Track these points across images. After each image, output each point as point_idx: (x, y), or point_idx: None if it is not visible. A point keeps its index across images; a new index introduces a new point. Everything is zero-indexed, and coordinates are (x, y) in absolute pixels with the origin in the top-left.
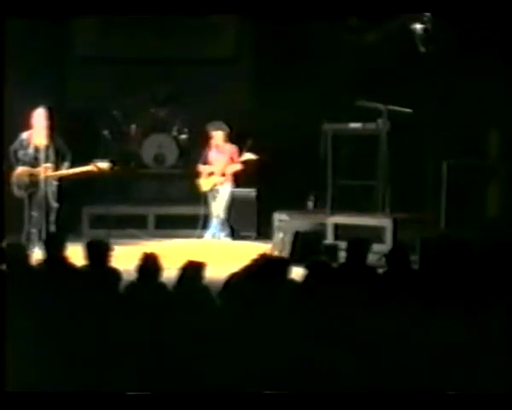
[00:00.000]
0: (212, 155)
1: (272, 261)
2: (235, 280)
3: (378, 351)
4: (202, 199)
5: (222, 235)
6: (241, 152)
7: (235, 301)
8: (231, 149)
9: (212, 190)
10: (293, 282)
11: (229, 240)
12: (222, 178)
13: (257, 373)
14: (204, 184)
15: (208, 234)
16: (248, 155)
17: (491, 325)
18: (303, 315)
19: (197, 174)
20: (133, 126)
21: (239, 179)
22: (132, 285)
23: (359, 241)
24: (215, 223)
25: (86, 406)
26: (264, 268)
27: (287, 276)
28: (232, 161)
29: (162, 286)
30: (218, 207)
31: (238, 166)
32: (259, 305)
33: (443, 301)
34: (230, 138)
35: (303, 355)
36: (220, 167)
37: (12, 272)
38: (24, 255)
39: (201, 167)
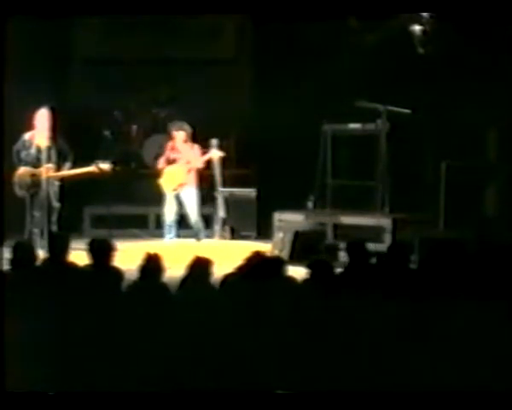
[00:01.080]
0: (174, 155)
1: (266, 260)
2: (231, 279)
3: (378, 350)
4: (165, 199)
5: (201, 236)
6: (204, 151)
7: (233, 300)
8: (194, 148)
9: (175, 190)
10: (293, 280)
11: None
12: (185, 179)
13: (257, 373)
14: (166, 184)
15: (167, 237)
16: (215, 153)
17: (490, 324)
18: (303, 314)
19: (158, 174)
20: (134, 127)
21: (202, 179)
22: (134, 285)
23: (360, 243)
24: (171, 226)
25: (86, 406)
26: (258, 267)
27: (282, 275)
28: (193, 160)
29: (163, 285)
30: (190, 212)
31: (199, 164)
32: (259, 304)
33: (442, 301)
34: (193, 138)
35: (303, 355)
36: (183, 167)
37: (14, 272)
38: (30, 255)
39: (163, 167)
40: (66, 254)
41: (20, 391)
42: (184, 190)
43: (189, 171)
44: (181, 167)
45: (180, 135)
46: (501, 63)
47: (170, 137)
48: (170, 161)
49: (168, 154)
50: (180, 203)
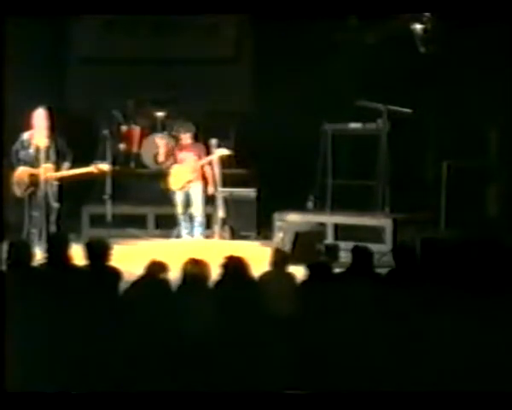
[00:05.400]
0: (181, 154)
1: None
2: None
3: (379, 350)
4: (174, 198)
5: (197, 233)
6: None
7: (231, 301)
8: (199, 147)
9: (182, 188)
10: (293, 281)
11: (202, 238)
12: (192, 176)
13: (256, 374)
14: (174, 183)
15: (184, 233)
16: (221, 151)
17: (491, 324)
18: (303, 315)
19: (166, 174)
20: (133, 126)
21: (209, 178)
22: (133, 285)
23: (364, 248)
24: (192, 222)
25: (86, 406)
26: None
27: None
28: (200, 159)
29: (164, 285)
30: (194, 207)
31: (206, 162)
32: (259, 304)
33: (443, 301)
34: (196, 138)
35: (304, 355)
36: (190, 166)
37: (13, 271)
38: (26, 254)
39: (171, 167)
40: (65, 255)
41: (20, 391)
42: (191, 187)
43: (196, 169)
44: (188, 166)
45: (186, 135)
46: (502, 63)
47: (177, 138)
48: (178, 161)
49: (176, 153)
50: (188, 200)
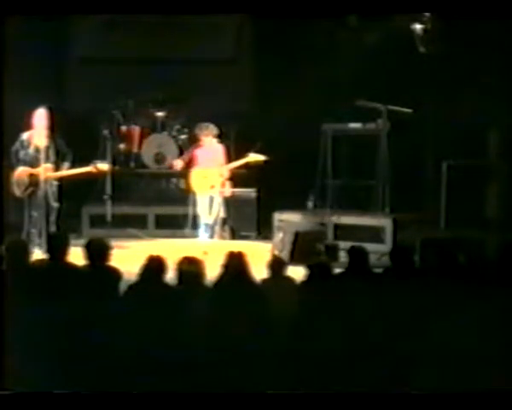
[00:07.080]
0: (203, 156)
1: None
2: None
3: (378, 350)
4: (196, 200)
5: (206, 236)
6: (238, 153)
7: (232, 301)
8: (221, 149)
9: (209, 192)
10: (292, 281)
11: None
12: (219, 180)
13: (255, 374)
14: (199, 186)
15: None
16: (254, 156)
17: (490, 323)
18: (302, 315)
19: (186, 175)
20: (133, 126)
21: (235, 181)
22: (133, 285)
23: (360, 248)
24: (207, 225)
25: (86, 406)
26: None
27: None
28: (223, 161)
29: (163, 285)
30: (214, 210)
31: (234, 166)
32: (259, 304)
33: (443, 301)
34: (220, 138)
35: (304, 355)
36: (216, 169)
37: (12, 271)
38: (24, 254)
39: (193, 169)
40: (65, 254)
41: (19, 391)
42: (217, 190)
43: (224, 173)
44: (214, 169)
45: (208, 136)
46: (502, 62)
47: (196, 139)
48: (198, 164)
49: (195, 155)
50: (211, 204)
